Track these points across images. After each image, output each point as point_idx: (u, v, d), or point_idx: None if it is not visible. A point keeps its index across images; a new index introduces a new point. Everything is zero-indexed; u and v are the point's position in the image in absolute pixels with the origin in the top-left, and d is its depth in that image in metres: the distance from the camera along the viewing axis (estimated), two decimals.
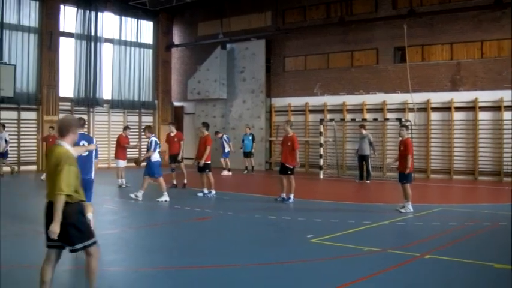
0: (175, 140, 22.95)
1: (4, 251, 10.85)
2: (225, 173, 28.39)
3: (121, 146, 22.92)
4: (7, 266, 9.75)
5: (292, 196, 18.13)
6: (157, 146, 18.78)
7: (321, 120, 28.22)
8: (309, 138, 30.24)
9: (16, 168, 28.36)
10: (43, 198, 7.29)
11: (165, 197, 18.24)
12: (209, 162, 19.87)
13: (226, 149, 28.93)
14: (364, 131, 25.37)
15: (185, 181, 22.62)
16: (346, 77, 29.38)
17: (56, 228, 6.88)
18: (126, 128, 24.38)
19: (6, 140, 26.66)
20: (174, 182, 22.52)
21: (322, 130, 27.87)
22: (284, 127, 19.17)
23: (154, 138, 18.87)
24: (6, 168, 27.18)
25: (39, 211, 7.48)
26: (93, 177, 12.72)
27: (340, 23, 29.40)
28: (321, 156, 27.71)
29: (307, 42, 30.95)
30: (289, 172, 18.15)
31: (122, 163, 22.96)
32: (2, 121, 28.88)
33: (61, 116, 30.51)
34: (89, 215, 12.16)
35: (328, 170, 28.13)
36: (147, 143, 19.23)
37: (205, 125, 20.34)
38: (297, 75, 31.57)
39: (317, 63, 30.96)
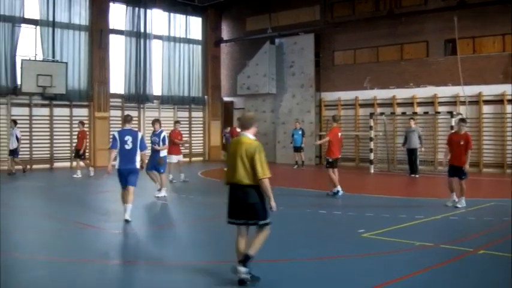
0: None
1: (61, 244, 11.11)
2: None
3: (173, 141, 23.05)
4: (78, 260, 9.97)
5: (335, 189, 18.23)
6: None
7: (371, 114, 28.09)
8: (359, 133, 30.14)
9: (28, 166, 28.08)
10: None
11: (164, 193, 18.30)
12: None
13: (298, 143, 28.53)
14: (413, 125, 25.20)
15: None
16: (396, 71, 29.16)
17: (274, 204, 8.37)
18: (176, 122, 24.50)
19: (17, 138, 26.05)
20: None
21: (372, 124, 27.75)
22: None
23: (165, 133, 18.98)
24: (18, 167, 26.79)
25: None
26: (138, 167, 14.03)
27: (389, 16, 29.20)
28: (371, 150, 27.61)
29: (356, 35, 30.79)
30: (327, 165, 18.29)
31: (175, 158, 23.03)
32: (54, 118, 29.42)
33: (112, 112, 31.04)
34: (129, 206, 13.87)
35: (378, 164, 28.00)
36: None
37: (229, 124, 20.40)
38: (346, 69, 31.45)
39: (366, 56, 30.81)
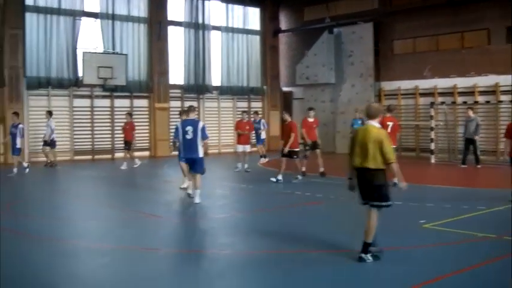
0: (314, 126, 21.32)
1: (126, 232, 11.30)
2: (262, 160, 26.28)
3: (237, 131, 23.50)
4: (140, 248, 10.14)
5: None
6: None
7: (432, 104, 27.73)
8: (420, 122, 29.81)
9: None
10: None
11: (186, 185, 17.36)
12: (297, 149, 20.00)
13: (263, 136, 26.58)
14: (472, 114, 24.82)
15: (321, 169, 21.03)
16: (456, 59, 28.70)
17: (404, 184, 9.48)
18: (244, 112, 24.79)
19: (52, 129, 25.86)
20: (304, 168, 20.92)
21: (432, 114, 27.41)
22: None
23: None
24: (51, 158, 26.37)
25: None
26: (200, 156, 14.93)
27: (449, 4, 28.71)
28: (432, 140, 27.28)
29: (415, 24, 30.40)
30: None
31: (240, 148, 23.34)
32: (114, 109, 29.82)
33: (172, 103, 31.32)
34: (198, 191, 14.78)
35: (439, 154, 27.68)
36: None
37: (288, 112, 20.38)
38: (406, 58, 31.11)
39: (426, 45, 30.40)
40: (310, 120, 21.09)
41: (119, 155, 29.59)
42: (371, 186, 9.28)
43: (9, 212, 14.04)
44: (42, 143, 26.31)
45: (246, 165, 23.21)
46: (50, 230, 11.93)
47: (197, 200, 14.79)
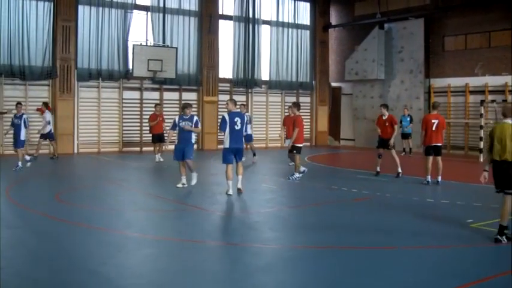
0: (387, 124, 20.51)
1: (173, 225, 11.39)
2: (254, 158, 24.76)
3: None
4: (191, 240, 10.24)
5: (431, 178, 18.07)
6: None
7: (482, 102, 27.37)
8: (469, 120, 29.47)
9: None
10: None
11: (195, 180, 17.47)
12: (300, 145, 19.35)
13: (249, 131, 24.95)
14: None
15: (399, 170, 20.01)
16: (509, 56, 28.23)
17: None
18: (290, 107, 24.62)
19: (46, 121, 24.46)
20: (378, 168, 20.37)
21: (482, 112, 27.05)
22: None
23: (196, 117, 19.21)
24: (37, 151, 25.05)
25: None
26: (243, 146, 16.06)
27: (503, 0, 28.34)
28: (481, 138, 26.92)
29: (467, 20, 30.03)
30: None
31: (287, 142, 23.38)
32: (163, 102, 30.01)
33: (220, 96, 31.42)
34: (240, 177, 15.66)
35: None
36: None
37: (297, 106, 19.93)
38: (456, 54, 30.77)
39: (478, 42, 30.00)
40: (384, 117, 20.64)
41: (167, 147, 29.85)
42: (508, 176, 10.35)
43: (58, 201, 14.30)
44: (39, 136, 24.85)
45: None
46: (99, 220, 12.09)
47: (239, 185, 15.74)
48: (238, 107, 18.44)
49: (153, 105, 27.04)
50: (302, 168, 19.14)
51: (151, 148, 26.05)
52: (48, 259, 8.91)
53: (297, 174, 18.87)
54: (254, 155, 24.82)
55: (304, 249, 9.96)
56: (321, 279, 8.15)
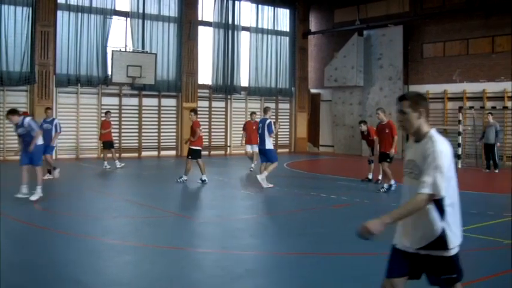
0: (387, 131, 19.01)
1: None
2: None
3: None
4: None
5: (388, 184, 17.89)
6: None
7: (460, 108, 27.58)
8: (448, 127, 29.63)
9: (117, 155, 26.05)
10: None
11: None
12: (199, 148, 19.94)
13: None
14: (491, 120, 24.72)
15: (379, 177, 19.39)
16: (486, 64, 28.52)
17: None
18: (252, 113, 24.64)
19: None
20: (369, 176, 20.24)
21: (461, 118, 27.25)
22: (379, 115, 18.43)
23: (57, 120, 20.01)
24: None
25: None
26: (266, 147, 18.43)
27: (481, 8, 28.53)
28: (459, 145, 27.10)
29: (446, 27, 30.26)
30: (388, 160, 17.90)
31: (249, 147, 23.85)
32: (143, 108, 29.96)
33: (200, 102, 31.49)
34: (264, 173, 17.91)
35: (466, 159, 27.50)
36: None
37: (194, 111, 20.60)
38: (435, 61, 30.97)
39: (456, 49, 30.21)
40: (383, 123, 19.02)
41: (146, 153, 29.86)
42: None
43: None
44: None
45: (252, 165, 23.44)
46: (78, 227, 12.02)
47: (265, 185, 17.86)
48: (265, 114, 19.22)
49: (133, 111, 26.98)
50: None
51: (131, 154, 25.89)
52: (26, 267, 8.84)
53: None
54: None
55: (284, 256, 9.96)
56: (302, 286, 8.15)
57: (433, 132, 5.31)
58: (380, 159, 17.94)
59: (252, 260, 9.79)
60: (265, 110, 19.19)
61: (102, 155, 25.50)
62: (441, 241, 5.07)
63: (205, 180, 19.08)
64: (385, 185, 17.59)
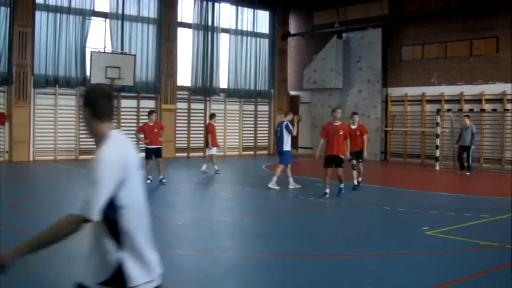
0: (358, 133, 18.99)
1: None
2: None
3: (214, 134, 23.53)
4: None
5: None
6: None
7: (438, 111, 27.72)
8: (426, 129, 29.80)
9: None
10: None
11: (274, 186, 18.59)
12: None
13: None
14: (468, 122, 24.88)
15: (360, 179, 19.05)
16: (464, 67, 28.69)
17: None
18: (212, 116, 24.60)
19: None
20: (355, 181, 19.04)
21: (439, 121, 27.40)
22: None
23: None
24: None
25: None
26: (285, 149, 18.74)
27: (459, 11, 28.70)
28: (437, 147, 27.27)
29: (424, 30, 30.39)
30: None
31: (214, 150, 23.63)
32: (121, 109, 29.85)
33: (179, 104, 31.45)
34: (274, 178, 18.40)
35: (444, 161, 27.65)
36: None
37: (152, 112, 21.34)
38: (414, 64, 31.10)
39: (435, 52, 30.36)
40: (353, 127, 19.07)
41: None
42: None
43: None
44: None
45: (205, 166, 23.38)
46: None
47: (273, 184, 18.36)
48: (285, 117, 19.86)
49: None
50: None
51: None
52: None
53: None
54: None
55: (262, 258, 9.98)
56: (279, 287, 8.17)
57: (111, 134, 4.04)
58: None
59: (230, 261, 9.79)
60: (285, 114, 20.04)
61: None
62: (119, 277, 3.94)
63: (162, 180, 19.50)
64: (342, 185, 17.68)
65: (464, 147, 24.79)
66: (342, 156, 16.69)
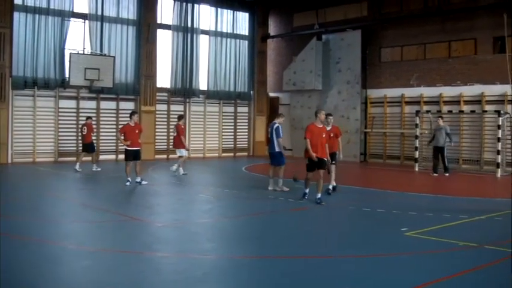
0: (332, 135, 18.12)
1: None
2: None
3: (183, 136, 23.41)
4: None
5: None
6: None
7: (417, 112, 27.85)
8: (405, 130, 29.93)
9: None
10: None
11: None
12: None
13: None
14: (441, 123, 24.99)
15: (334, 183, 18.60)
16: (443, 68, 28.86)
17: None
18: (180, 117, 24.37)
19: None
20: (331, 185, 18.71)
21: (418, 122, 27.52)
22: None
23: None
24: None
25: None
26: (276, 150, 18.83)
27: (438, 13, 28.88)
28: (416, 148, 27.39)
29: (403, 32, 30.55)
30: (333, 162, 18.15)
31: (184, 152, 23.49)
32: (100, 111, 29.71)
33: (158, 106, 31.38)
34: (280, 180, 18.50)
35: (423, 162, 27.76)
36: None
37: (134, 113, 21.00)
38: (393, 66, 31.23)
39: (414, 53, 30.53)
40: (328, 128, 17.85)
41: (105, 157, 29.64)
42: None
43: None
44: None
45: (175, 166, 23.38)
46: (34, 231, 11.86)
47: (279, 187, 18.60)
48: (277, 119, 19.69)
49: (91, 114, 26.82)
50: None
51: (88, 158, 25.63)
52: None
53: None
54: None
55: (242, 259, 9.96)
56: None
57: None
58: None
59: (210, 263, 9.76)
60: (277, 116, 19.96)
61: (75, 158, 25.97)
62: None
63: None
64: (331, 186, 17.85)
65: (437, 148, 24.87)
66: (325, 159, 16.36)
